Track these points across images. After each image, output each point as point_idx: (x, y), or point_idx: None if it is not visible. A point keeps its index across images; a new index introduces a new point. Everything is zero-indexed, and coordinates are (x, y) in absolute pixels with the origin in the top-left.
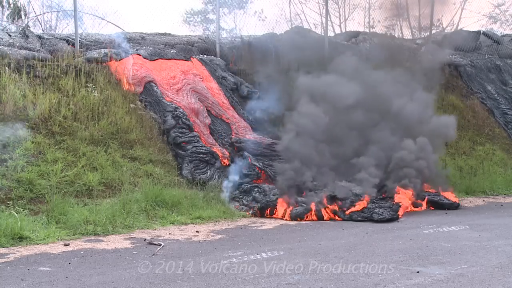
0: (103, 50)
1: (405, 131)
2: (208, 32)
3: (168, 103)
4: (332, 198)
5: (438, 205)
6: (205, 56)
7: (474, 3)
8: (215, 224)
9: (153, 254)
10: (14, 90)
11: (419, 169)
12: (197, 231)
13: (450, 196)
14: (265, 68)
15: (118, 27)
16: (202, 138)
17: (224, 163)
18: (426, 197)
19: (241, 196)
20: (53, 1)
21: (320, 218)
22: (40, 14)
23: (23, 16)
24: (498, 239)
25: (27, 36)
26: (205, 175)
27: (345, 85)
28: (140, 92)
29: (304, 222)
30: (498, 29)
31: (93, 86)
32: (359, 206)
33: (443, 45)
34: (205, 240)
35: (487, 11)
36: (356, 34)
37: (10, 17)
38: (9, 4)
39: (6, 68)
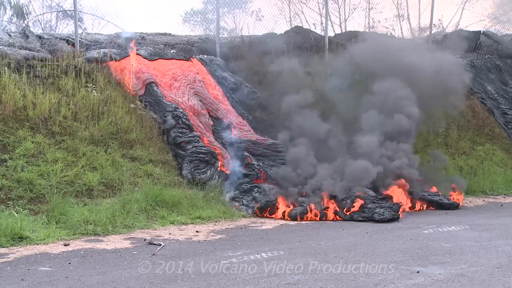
0: (102, 50)
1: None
2: (208, 32)
3: (168, 103)
4: (332, 198)
5: (438, 205)
6: (205, 56)
7: (478, 4)
8: (215, 224)
9: (153, 254)
10: (14, 90)
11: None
12: (197, 231)
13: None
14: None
15: (118, 27)
16: (202, 138)
17: (223, 167)
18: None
19: (241, 196)
20: (53, 1)
21: (320, 218)
22: (40, 14)
23: (25, 16)
24: (498, 239)
25: (27, 36)
26: (205, 175)
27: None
28: (142, 95)
29: (304, 222)
30: (501, 30)
31: (93, 86)
32: (357, 205)
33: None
34: (205, 240)
35: (490, 12)
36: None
37: (14, 16)
38: (11, 5)
39: (6, 68)
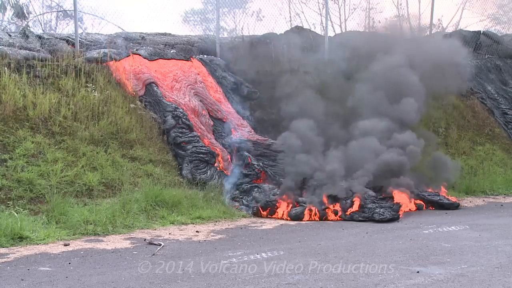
0: (102, 50)
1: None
2: (208, 32)
3: (168, 103)
4: (333, 198)
5: (438, 205)
6: (205, 56)
7: (478, 4)
8: (215, 224)
9: (153, 254)
10: (14, 90)
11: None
12: (197, 231)
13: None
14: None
15: (118, 27)
16: (202, 138)
17: (221, 167)
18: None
19: (241, 196)
20: (53, 1)
21: (320, 218)
22: (40, 14)
23: (26, 15)
24: (498, 239)
25: (27, 36)
26: (205, 175)
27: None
28: (142, 95)
29: (304, 222)
30: (501, 30)
31: (93, 86)
32: (356, 204)
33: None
34: (205, 240)
35: (490, 12)
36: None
37: (14, 16)
38: (11, 5)
39: (6, 68)
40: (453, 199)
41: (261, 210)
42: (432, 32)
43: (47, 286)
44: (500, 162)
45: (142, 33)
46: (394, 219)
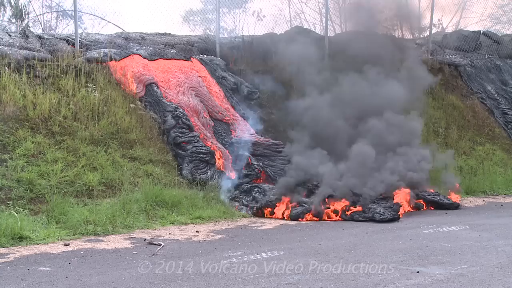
0: (102, 50)
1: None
2: (208, 32)
3: (168, 103)
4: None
5: (438, 205)
6: (205, 56)
7: (477, 4)
8: (215, 224)
9: (153, 254)
10: (14, 90)
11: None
12: (197, 231)
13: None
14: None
15: (118, 27)
16: (202, 138)
17: (221, 167)
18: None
19: (241, 196)
20: (53, 1)
21: (320, 218)
22: (40, 14)
23: (24, 16)
24: (498, 239)
25: (27, 36)
26: (205, 175)
27: None
28: (142, 96)
29: (304, 222)
30: (501, 30)
31: (93, 86)
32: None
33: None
34: (205, 240)
35: (490, 12)
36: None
37: (13, 16)
38: (11, 5)
39: (6, 68)
40: (456, 198)
41: (261, 210)
42: (432, 32)
43: (47, 286)
44: (500, 162)
45: (142, 33)
46: (394, 219)
